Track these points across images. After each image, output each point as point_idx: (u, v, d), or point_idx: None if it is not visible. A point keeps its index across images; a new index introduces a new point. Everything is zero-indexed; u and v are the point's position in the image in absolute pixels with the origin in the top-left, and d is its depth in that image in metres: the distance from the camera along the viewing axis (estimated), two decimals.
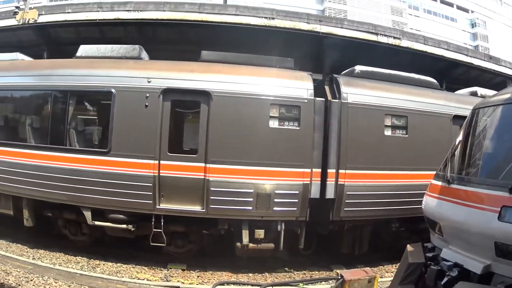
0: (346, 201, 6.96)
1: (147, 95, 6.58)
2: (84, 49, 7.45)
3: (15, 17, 12.60)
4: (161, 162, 6.56)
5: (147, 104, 6.57)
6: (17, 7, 12.83)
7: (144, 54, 7.69)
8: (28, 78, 7.09)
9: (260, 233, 6.87)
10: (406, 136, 7.35)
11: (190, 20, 11.69)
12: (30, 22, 12.53)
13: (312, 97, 6.95)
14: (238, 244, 6.84)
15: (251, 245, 6.87)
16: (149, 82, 6.65)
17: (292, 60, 7.81)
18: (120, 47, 7.50)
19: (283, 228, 6.88)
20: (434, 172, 6.40)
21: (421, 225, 6.89)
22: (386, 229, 7.63)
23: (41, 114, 7.02)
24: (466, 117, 5.85)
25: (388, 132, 7.27)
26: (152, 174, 6.51)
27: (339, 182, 6.94)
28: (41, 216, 6.92)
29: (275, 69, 7.39)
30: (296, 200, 6.79)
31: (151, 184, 6.50)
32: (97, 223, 6.59)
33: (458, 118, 7.39)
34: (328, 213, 7.05)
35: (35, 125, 6.91)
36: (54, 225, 7.45)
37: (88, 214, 6.52)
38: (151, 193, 6.51)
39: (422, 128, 7.41)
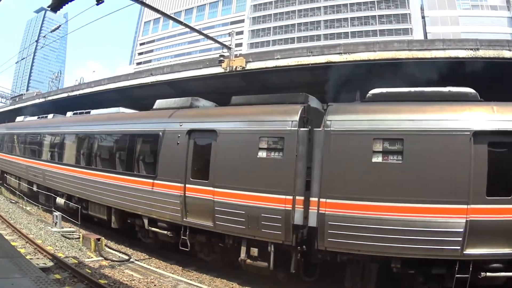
0: (329, 231, 6.85)
1: (179, 135, 9.01)
2: (157, 103, 10.81)
3: (220, 65, 13.31)
4: (186, 185, 8.72)
5: (178, 142, 8.99)
6: (221, 56, 13.39)
7: (197, 103, 10.24)
8: (116, 126, 11.04)
9: (254, 251, 7.79)
10: (401, 162, 6.45)
11: (401, 58, 11.04)
12: (237, 69, 13.10)
13: (296, 128, 7.40)
14: (239, 258, 7.98)
15: (248, 260, 7.88)
16: (180, 125, 9.09)
17: (302, 94, 8.34)
18: (179, 100, 10.37)
19: (273, 249, 7.51)
20: (443, 206, 5.88)
21: (435, 270, 6.10)
22: (387, 269, 6.72)
23: (123, 150, 10.67)
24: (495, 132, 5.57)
25: (377, 159, 6.64)
26: (181, 194, 8.76)
27: (320, 211, 6.95)
28: (124, 221, 10.38)
29: (269, 106, 8.24)
30: (280, 225, 7.32)
31: (179, 202, 8.75)
32: (151, 228, 9.40)
33: (482, 135, 5.98)
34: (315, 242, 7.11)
35: (120, 158, 10.61)
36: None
37: (146, 221, 9.45)
38: (179, 209, 8.75)
39: (424, 151, 6.36)
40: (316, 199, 7.05)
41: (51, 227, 11.84)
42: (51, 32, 16.73)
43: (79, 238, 10.91)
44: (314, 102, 8.62)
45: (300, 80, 12.19)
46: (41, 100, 27.95)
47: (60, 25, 15.71)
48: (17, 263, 5.81)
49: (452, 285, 6.17)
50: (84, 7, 10.92)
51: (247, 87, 12.33)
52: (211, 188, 8.28)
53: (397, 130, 6.57)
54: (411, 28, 58.79)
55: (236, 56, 13.43)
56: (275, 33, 74.69)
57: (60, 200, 12.91)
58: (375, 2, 63.04)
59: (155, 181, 9.23)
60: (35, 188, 15.32)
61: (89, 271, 8.12)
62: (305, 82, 11.44)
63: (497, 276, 6.04)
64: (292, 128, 7.44)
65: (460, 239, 6.01)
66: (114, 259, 9.48)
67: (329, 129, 7.09)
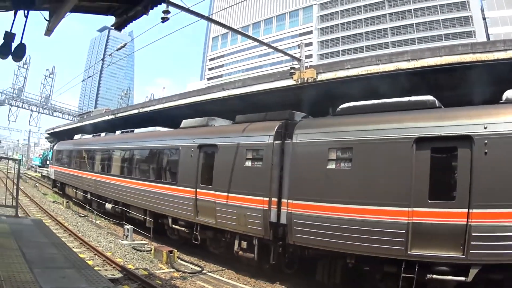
0: (295, 227, 8.06)
1: (192, 149, 11.10)
2: (183, 123, 13.11)
3: (292, 77, 13.35)
4: (197, 190, 10.71)
5: (192, 155, 11.08)
6: (292, 68, 13.39)
7: (212, 122, 12.26)
8: (150, 142, 13.56)
9: (244, 244, 9.33)
10: (350, 168, 7.42)
11: (465, 61, 10.83)
12: (309, 81, 13.01)
13: (272, 142, 8.85)
14: (234, 250, 9.59)
15: (240, 252, 9.44)
16: (193, 141, 11.19)
17: (287, 112, 9.76)
18: (199, 119, 12.51)
19: (256, 243, 8.97)
20: (387, 208, 6.75)
21: (386, 268, 6.93)
22: (343, 264, 7.62)
23: (154, 162, 13.11)
24: (444, 139, 6.17)
25: (331, 166, 7.68)
26: (193, 197, 10.77)
27: (288, 210, 8.23)
28: (156, 221, 12.64)
29: (258, 123, 9.76)
30: (260, 222, 8.75)
31: (192, 203, 10.76)
32: (174, 226, 11.55)
33: (424, 141, 6.65)
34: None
35: (152, 168, 13.04)
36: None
37: (170, 220, 11.65)
38: (192, 209, 10.74)
39: (370, 158, 7.19)
40: (286, 200, 8.36)
41: (122, 240, 12.07)
42: (117, 50, 16.72)
43: (150, 250, 11.10)
44: (300, 117, 9.91)
45: (369, 88, 11.88)
46: (111, 117, 28.55)
47: (126, 43, 16.13)
48: (85, 273, 5.70)
49: (404, 284, 6.55)
50: (150, 25, 10.50)
51: (318, 98, 12.23)
52: (213, 192, 10.11)
53: (347, 140, 7.55)
54: (474, 31, 56.26)
55: (306, 67, 13.45)
56: (343, 43, 75.03)
57: (108, 206, 15.60)
58: (438, 6, 60.94)
59: (176, 187, 11.42)
60: (88, 196, 17.91)
61: (160, 282, 8.26)
62: (373, 91, 11.13)
63: (445, 280, 6.28)
64: (268, 142, 8.90)
65: (404, 239, 6.54)
66: (186, 270, 9.60)
67: (295, 141, 8.39)
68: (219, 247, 10.61)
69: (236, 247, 9.50)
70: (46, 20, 5.63)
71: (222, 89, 17.09)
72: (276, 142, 8.82)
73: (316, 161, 7.92)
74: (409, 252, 6.52)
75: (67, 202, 19.46)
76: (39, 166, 50.76)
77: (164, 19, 8.94)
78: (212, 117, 12.37)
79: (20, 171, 11.98)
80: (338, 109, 8.76)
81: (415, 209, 6.50)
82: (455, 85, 11.57)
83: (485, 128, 6.15)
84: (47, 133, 52.97)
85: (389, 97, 8.12)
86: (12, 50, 5.36)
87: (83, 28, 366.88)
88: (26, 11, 5.32)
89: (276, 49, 15.70)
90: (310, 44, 73.81)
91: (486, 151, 6.04)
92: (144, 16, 5.21)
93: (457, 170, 6.32)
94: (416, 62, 11.35)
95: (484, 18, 55.97)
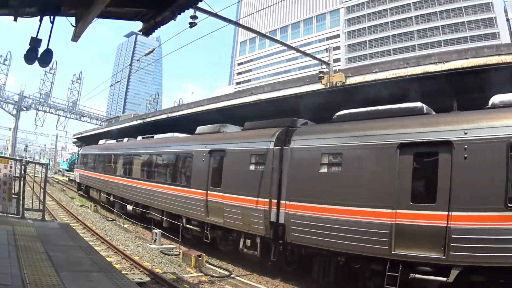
0: (291, 227, 8.64)
1: (204, 154, 11.96)
2: (197, 129, 14.03)
3: (321, 82, 13.37)
4: (208, 192, 11.53)
5: (203, 159, 11.94)
6: (321, 72, 13.44)
7: (224, 129, 13.06)
8: (167, 148, 14.61)
9: (248, 242, 10.00)
10: (340, 172, 7.87)
11: (491, 64, 10.84)
12: (337, 85, 13.02)
13: (272, 147, 9.48)
14: (239, 248, 10.28)
15: (245, 250, 10.11)
16: (205, 147, 12.05)
17: (289, 119, 10.38)
18: (212, 126, 13.37)
19: (259, 241, 9.61)
20: (374, 210, 7.23)
21: (373, 266, 7.38)
22: (336, 263, 8.05)
23: (170, 166, 14.10)
24: (426, 144, 6.50)
25: (324, 170, 8.19)
26: (204, 198, 11.60)
27: (285, 211, 8.80)
28: (172, 222, 13.54)
29: (262, 130, 10.44)
30: (261, 221, 9.40)
31: (203, 204, 11.60)
32: (187, 225, 12.43)
33: (407, 146, 7.04)
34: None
35: (168, 172, 14.02)
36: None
37: (184, 220, 12.55)
38: (203, 209, 11.57)
39: (358, 162, 7.64)
40: (284, 201, 8.94)
41: (150, 244, 12.22)
42: (145, 55, 16.79)
43: (179, 254, 11.09)
44: (310, 123, 10.45)
45: (397, 92, 11.85)
46: (139, 121, 28.54)
47: (153, 49, 16.15)
48: (112, 277, 5.66)
49: (391, 282, 6.86)
50: (177, 30, 10.25)
51: (347, 102, 11.85)
52: (221, 194, 10.88)
53: (337, 146, 8.04)
54: (498, 32, 55.38)
55: (335, 71, 13.54)
56: (371, 46, 74.68)
57: (129, 207, 16.57)
58: (462, 8, 60.23)
59: (189, 189, 12.33)
60: (111, 198, 18.97)
61: (188, 286, 8.34)
62: (400, 94, 10.97)
63: (428, 279, 6.55)
64: (270, 147, 9.55)
65: (388, 239, 6.92)
66: (214, 275, 9.65)
67: (292, 146, 8.98)
68: (227, 245, 11.33)
69: (241, 245, 10.18)
70: (73, 26, 5.64)
71: (251, 93, 17.11)
72: (276, 147, 9.45)
73: (310, 165, 8.47)
74: (393, 252, 6.88)
75: (95, 206, 19.86)
76: (67, 170, 50.61)
77: (192, 24, 8.97)
78: (224, 124, 13.20)
79: (47, 175, 12.02)
80: (334, 116, 9.24)
81: (398, 211, 6.86)
82: (482, 87, 11.18)
83: (465, 133, 6.42)
84: (75, 138, 53.20)
85: (416, 101, 8.17)
86: (39, 56, 5.40)
87: (109, 34, 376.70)
88: (52, 17, 5.30)
89: (304, 53, 15.58)
90: (337, 47, 73.60)
91: (465, 156, 6.31)
92: (172, 21, 5.19)
93: (438, 174, 6.60)
94: (443, 65, 11.28)
95: (507, 19, 55.53)
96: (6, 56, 48.54)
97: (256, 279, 9.70)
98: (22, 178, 9.07)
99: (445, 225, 6.32)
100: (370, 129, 7.73)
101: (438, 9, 64.17)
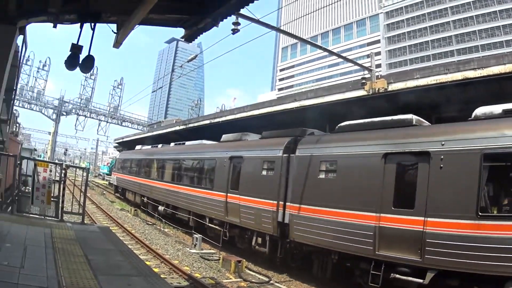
0: (294, 226, 9.66)
1: (225, 160, 13.36)
2: (222, 137, 15.46)
3: (363, 88, 13.37)
4: (228, 194, 12.87)
5: (224, 165, 13.33)
6: (363, 78, 13.44)
7: (245, 137, 14.36)
8: (195, 154, 16.19)
9: (259, 240, 11.14)
10: (335, 178, 8.77)
11: None
12: (380, 91, 12.91)
13: (281, 155, 10.60)
14: (252, 245, 11.45)
15: (256, 247, 11.27)
16: (226, 153, 13.44)
17: (299, 129, 11.42)
18: (235, 134, 14.74)
19: (268, 239, 10.73)
20: (361, 213, 8.16)
21: (362, 265, 8.22)
22: (330, 260, 8.90)
23: (197, 171, 15.56)
24: (407, 153, 7.25)
25: (322, 176, 9.14)
26: (224, 200, 12.96)
27: (290, 212, 9.84)
28: (198, 222, 14.95)
29: (274, 139, 11.59)
30: (270, 221, 10.51)
31: (223, 205, 12.95)
32: (210, 225, 13.83)
33: (391, 156, 7.83)
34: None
35: (195, 176, 15.51)
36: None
37: (207, 219, 13.97)
38: (223, 210, 12.93)
39: (348, 169, 8.51)
40: (289, 203, 9.99)
41: (190, 249, 12.33)
42: (187, 62, 16.93)
43: (218, 259, 11.13)
44: (317, 133, 11.40)
45: (436, 99, 11.99)
46: (182, 127, 28.73)
47: (196, 55, 16.45)
48: (151, 281, 5.66)
49: (376, 281, 7.51)
50: (219, 35, 10.19)
51: (389, 109, 11.77)
52: (238, 196, 12.18)
53: (333, 154, 8.97)
54: None
55: (377, 77, 13.50)
56: (410, 51, 73.36)
57: (160, 208, 18.01)
58: (497, 12, 58.11)
59: (212, 192, 13.78)
60: (145, 200, 20.49)
61: None
62: (438, 101, 11.13)
63: (406, 280, 7.10)
64: (279, 155, 10.68)
65: (372, 241, 7.66)
66: (253, 280, 9.65)
67: (297, 154, 10.03)
68: (244, 242, 12.55)
69: (253, 242, 11.35)
70: (114, 32, 5.64)
71: (294, 100, 17.17)
72: (284, 155, 10.56)
73: (310, 171, 9.47)
74: (377, 252, 7.60)
75: (135, 210, 20.25)
76: (107, 174, 50.52)
77: (234, 31, 9.03)
78: (245, 133, 14.54)
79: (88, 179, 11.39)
80: (336, 127, 10.13)
81: (382, 214, 7.62)
82: None
83: (442, 144, 7.05)
84: (116, 142, 53.06)
85: (457, 108, 8.48)
86: (80, 62, 5.43)
87: (148, 40, 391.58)
88: (92, 24, 5.35)
89: (346, 59, 16.00)
90: (379, 53, 72.48)
91: (441, 165, 6.94)
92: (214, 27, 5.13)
93: (417, 182, 7.27)
94: (482, 71, 11.21)
95: None
96: (45, 61, 49.79)
97: (296, 285, 9.73)
98: (62, 182, 9.12)
99: (422, 229, 6.89)
100: (361, 140, 8.58)
101: (474, 14, 62.52)
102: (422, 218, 6.96)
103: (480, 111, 7.55)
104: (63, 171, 9.14)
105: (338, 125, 10.11)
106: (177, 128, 29.63)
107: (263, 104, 20.34)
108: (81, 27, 5.33)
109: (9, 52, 5.44)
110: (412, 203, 7.25)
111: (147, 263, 8.84)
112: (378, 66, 65.82)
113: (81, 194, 10.41)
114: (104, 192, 32.52)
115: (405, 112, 9.17)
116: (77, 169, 14.73)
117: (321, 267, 9.44)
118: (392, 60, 75.64)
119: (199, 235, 13.02)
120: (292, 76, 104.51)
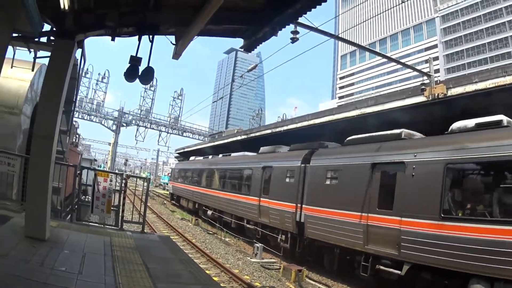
0: (307, 225, 11.67)
1: (259, 169, 15.78)
2: (260, 149, 17.92)
3: (423, 94, 13.12)
4: (260, 198, 15.24)
5: (258, 173, 15.77)
6: (422, 84, 13.24)
7: (278, 149, 16.61)
8: (236, 164, 18.54)
9: (283, 237, 13.30)
10: (337, 184, 10.67)
11: None
12: (439, 97, 12.62)
13: (299, 165, 12.75)
14: (277, 241, 13.63)
15: (281, 243, 13.43)
16: (260, 164, 15.87)
17: (318, 142, 13.48)
18: (270, 147, 17.14)
19: (290, 236, 12.85)
20: (356, 213, 10.18)
21: (357, 258, 10.04)
22: (334, 253, 10.69)
23: (238, 179, 17.97)
24: (388, 163, 9.03)
25: (328, 182, 11.09)
26: (257, 203, 15.34)
27: (305, 213, 11.91)
28: (238, 224, 17.39)
29: (296, 151, 13.75)
30: (291, 221, 12.65)
31: (256, 208, 15.34)
32: (246, 225, 16.23)
33: (377, 165, 9.57)
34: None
35: (236, 183, 18.10)
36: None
37: (245, 221, 16.40)
38: (256, 212, 15.32)
39: (347, 177, 10.34)
40: (305, 205, 12.05)
41: (250, 258, 12.47)
42: (248, 71, 16.86)
43: (279, 269, 11.22)
44: (330, 146, 13.34)
45: (497, 103, 11.19)
46: (243, 136, 29.01)
47: (256, 65, 16.40)
48: None
49: (366, 271, 9.07)
50: (279, 45, 10.25)
51: (448, 115, 11.49)
52: (268, 200, 14.51)
53: (337, 164, 10.88)
54: None
55: (436, 82, 13.26)
56: (468, 55, 69.26)
57: (209, 212, 20.47)
58: None
59: (249, 197, 16.27)
60: (196, 206, 23.35)
61: None
62: (499, 105, 10.42)
63: (388, 271, 8.41)
64: (298, 165, 12.84)
65: (362, 236, 9.30)
66: None
67: (311, 164, 12.11)
68: (272, 240, 14.76)
69: (279, 239, 13.55)
70: (173, 44, 5.63)
71: (355, 107, 17.12)
72: (302, 165, 12.68)
73: (320, 178, 11.47)
74: (366, 246, 9.23)
75: (196, 219, 20.65)
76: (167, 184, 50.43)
77: (293, 40, 9.09)
78: (279, 146, 16.85)
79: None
80: (345, 141, 11.99)
81: (369, 214, 9.32)
82: None
83: (415, 156, 8.59)
84: (177, 153, 53.42)
85: None
86: (140, 74, 5.39)
87: (207, 51, 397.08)
88: (150, 36, 5.33)
89: (405, 64, 16.38)
90: (437, 58, 69.56)
91: (413, 174, 8.48)
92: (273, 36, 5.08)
93: (395, 187, 8.87)
94: None
95: None
96: (104, 74, 49.88)
97: None
98: (123, 191, 9.05)
99: (399, 227, 8.34)
100: (357, 152, 10.40)
101: None
102: (399, 218, 8.44)
103: (455, 125, 8.80)
104: (124, 181, 9.14)
105: (346, 139, 11.95)
106: (238, 138, 29.98)
107: (324, 112, 20.44)
108: (139, 39, 5.36)
109: (68, 66, 5.55)
110: (391, 205, 8.81)
111: (207, 272, 8.88)
112: (437, 71, 63.22)
113: (141, 203, 10.53)
114: (164, 201, 33.43)
115: (464, 117, 9.09)
116: (138, 179, 16.12)
117: (329, 260, 11.27)
118: (450, 65, 71.92)
119: (260, 244, 13.19)
120: (352, 84, 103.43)
